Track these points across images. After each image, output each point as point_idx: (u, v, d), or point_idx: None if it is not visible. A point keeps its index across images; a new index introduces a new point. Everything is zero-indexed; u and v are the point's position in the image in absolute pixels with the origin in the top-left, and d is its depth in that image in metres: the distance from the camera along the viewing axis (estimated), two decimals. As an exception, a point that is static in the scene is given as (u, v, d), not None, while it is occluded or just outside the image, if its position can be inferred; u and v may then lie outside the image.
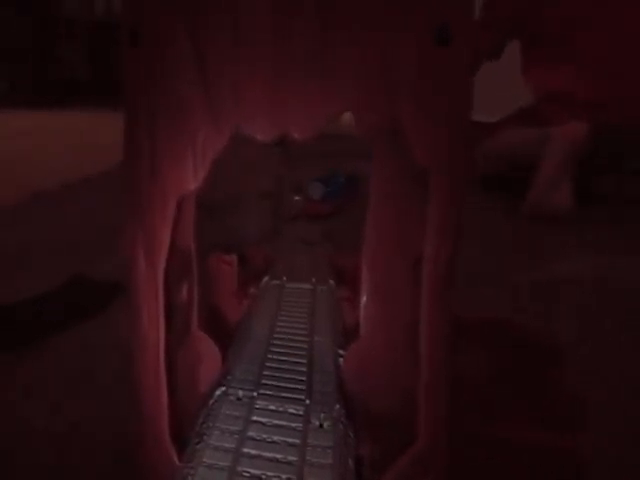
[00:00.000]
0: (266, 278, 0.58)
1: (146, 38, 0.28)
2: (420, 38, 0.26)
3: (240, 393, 0.33)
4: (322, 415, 0.32)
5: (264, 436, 0.30)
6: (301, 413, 0.32)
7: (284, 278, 0.57)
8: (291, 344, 0.41)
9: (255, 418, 0.32)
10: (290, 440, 0.30)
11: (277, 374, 0.36)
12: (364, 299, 0.40)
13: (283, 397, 0.34)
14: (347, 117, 0.27)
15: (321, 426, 0.31)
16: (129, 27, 0.29)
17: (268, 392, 0.34)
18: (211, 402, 0.33)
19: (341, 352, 0.40)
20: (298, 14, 0.25)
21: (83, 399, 0.63)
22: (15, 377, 0.67)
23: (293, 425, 0.31)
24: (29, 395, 0.64)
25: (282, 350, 0.40)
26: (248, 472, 0.27)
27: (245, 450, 0.29)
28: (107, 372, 0.67)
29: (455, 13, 0.26)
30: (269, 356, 0.38)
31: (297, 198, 1.11)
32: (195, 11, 0.26)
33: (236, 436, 0.30)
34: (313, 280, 0.56)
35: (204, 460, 0.28)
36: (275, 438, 0.30)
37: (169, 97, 0.27)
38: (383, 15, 0.25)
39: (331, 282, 0.56)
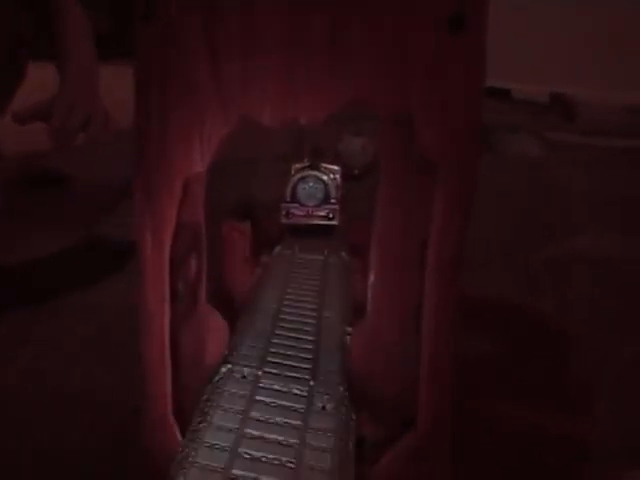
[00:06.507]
0: (278, 247, 0.57)
1: (159, 16, 0.28)
2: (433, 26, 0.25)
3: (245, 371, 0.34)
4: (326, 397, 0.32)
5: (267, 416, 0.30)
6: (305, 394, 0.32)
7: (296, 248, 0.56)
8: (299, 319, 0.41)
9: (259, 397, 0.32)
10: (292, 422, 0.30)
11: (283, 351, 0.36)
12: (372, 278, 0.40)
13: (288, 376, 0.34)
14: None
15: (324, 408, 0.32)
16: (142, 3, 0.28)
17: (273, 371, 0.34)
18: (216, 379, 0.33)
19: (349, 330, 0.40)
20: (312, 2, 0.25)
21: (97, 358, 0.64)
22: (30, 335, 0.68)
23: (296, 406, 0.31)
24: (44, 353, 0.65)
25: (289, 325, 0.40)
26: (249, 454, 0.28)
27: (247, 431, 0.29)
28: (122, 331, 0.68)
29: (469, 1, 0.25)
30: (276, 332, 0.38)
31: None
32: None
33: (239, 416, 0.30)
34: (325, 251, 0.55)
35: (206, 440, 0.28)
36: (278, 419, 0.30)
37: (179, 79, 0.27)
38: (396, 2, 0.25)
39: (343, 254, 0.55)
